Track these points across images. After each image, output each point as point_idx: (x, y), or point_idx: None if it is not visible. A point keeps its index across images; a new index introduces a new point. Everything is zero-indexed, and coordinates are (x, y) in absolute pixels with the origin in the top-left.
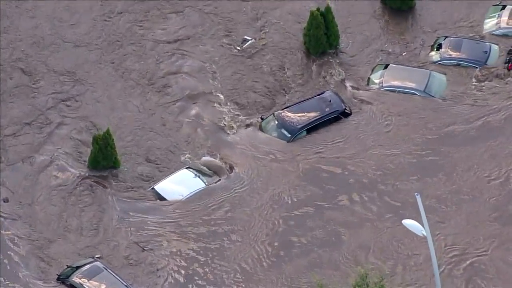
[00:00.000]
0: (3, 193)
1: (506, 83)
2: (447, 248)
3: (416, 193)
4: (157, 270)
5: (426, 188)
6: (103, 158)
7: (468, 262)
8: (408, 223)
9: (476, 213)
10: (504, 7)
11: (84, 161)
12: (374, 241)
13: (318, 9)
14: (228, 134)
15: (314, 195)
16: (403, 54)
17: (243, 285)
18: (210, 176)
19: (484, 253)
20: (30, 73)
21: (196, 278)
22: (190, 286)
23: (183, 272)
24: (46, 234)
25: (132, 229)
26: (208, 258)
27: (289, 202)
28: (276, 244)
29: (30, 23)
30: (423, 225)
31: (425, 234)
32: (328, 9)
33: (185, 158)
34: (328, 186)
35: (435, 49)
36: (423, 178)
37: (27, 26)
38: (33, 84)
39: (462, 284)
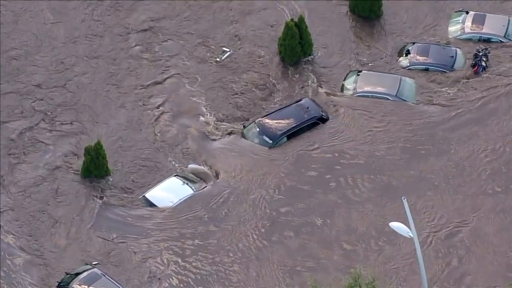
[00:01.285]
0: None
1: (472, 86)
2: (435, 218)
3: (402, 197)
4: (154, 276)
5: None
6: (95, 167)
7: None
8: (395, 225)
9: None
10: (467, 12)
11: (76, 171)
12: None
13: (292, 20)
14: (212, 141)
15: (296, 197)
16: (371, 64)
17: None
18: (197, 182)
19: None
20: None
21: (192, 282)
22: None
23: (179, 276)
24: (44, 243)
25: (127, 236)
26: (203, 262)
27: (273, 202)
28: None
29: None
30: (409, 228)
31: (411, 235)
32: (301, 19)
33: (173, 166)
34: (310, 188)
35: (404, 55)
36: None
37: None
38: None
39: (444, 252)
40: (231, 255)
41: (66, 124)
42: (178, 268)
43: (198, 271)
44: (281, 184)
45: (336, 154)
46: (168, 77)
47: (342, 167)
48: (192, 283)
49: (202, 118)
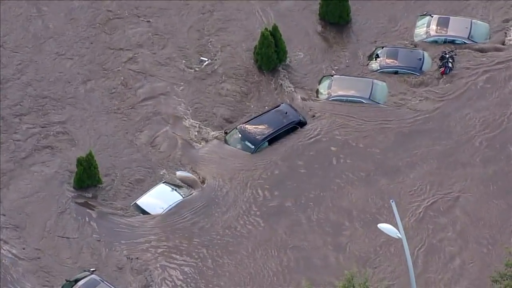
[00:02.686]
0: None
1: (441, 87)
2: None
3: (391, 200)
4: (152, 281)
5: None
6: (87, 177)
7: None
8: (384, 226)
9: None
10: (431, 16)
11: (69, 183)
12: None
13: (266, 29)
14: (197, 148)
15: (282, 195)
16: (346, 67)
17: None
18: (185, 188)
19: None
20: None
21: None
22: None
23: (174, 281)
24: (42, 251)
25: (122, 242)
26: (198, 266)
27: (259, 202)
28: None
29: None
30: (398, 229)
31: (400, 236)
32: (275, 28)
33: (161, 173)
34: (295, 185)
35: (374, 59)
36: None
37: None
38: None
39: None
40: (224, 257)
41: (55, 134)
42: (173, 273)
43: (193, 275)
44: (265, 185)
45: (318, 155)
46: (149, 88)
47: (325, 166)
48: (187, 286)
49: (186, 126)
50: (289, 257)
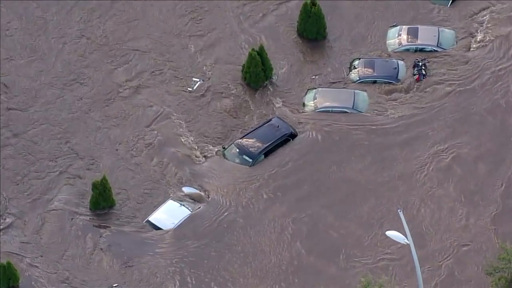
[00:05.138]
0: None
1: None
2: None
3: (398, 209)
4: None
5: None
6: (103, 200)
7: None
8: (391, 233)
9: None
10: (400, 27)
11: (84, 203)
12: None
13: (253, 49)
14: (199, 165)
15: (284, 201)
16: (328, 78)
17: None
18: (192, 203)
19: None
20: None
21: None
22: None
23: None
24: (68, 271)
25: (140, 257)
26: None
27: (265, 210)
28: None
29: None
30: (406, 237)
31: (407, 242)
32: (261, 47)
33: (168, 190)
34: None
35: (352, 70)
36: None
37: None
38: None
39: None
40: (237, 262)
41: (67, 159)
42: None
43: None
44: (267, 194)
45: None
46: (149, 110)
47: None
48: None
49: (186, 144)
50: (296, 258)
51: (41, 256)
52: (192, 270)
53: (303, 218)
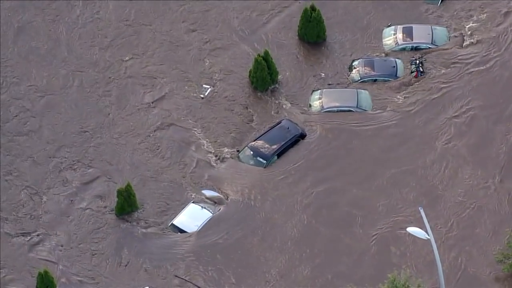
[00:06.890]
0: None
1: (416, 90)
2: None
3: (419, 207)
4: None
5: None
6: (128, 205)
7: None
8: (413, 230)
9: None
10: (395, 27)
11: (110, 210)
12: None
13: (259, 55)
14: (216, 168)
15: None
16: (330, 79)
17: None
18: (213, 205)
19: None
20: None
21: None
22: None
23: None
24: (100, 274)
25: (169, 260)
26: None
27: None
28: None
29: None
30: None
31: (428, 237)
32: (266, 52)
33: (189, 193)
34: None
35: (350, 70)
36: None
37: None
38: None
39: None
40: (263, 261)
41: (89, 167)
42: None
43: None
44: (284, 194)
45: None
46: (165, 118)
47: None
48: None
49: (203, 148)
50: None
51: (72, 262)
52: (219, 268)
53: (323, 209)
